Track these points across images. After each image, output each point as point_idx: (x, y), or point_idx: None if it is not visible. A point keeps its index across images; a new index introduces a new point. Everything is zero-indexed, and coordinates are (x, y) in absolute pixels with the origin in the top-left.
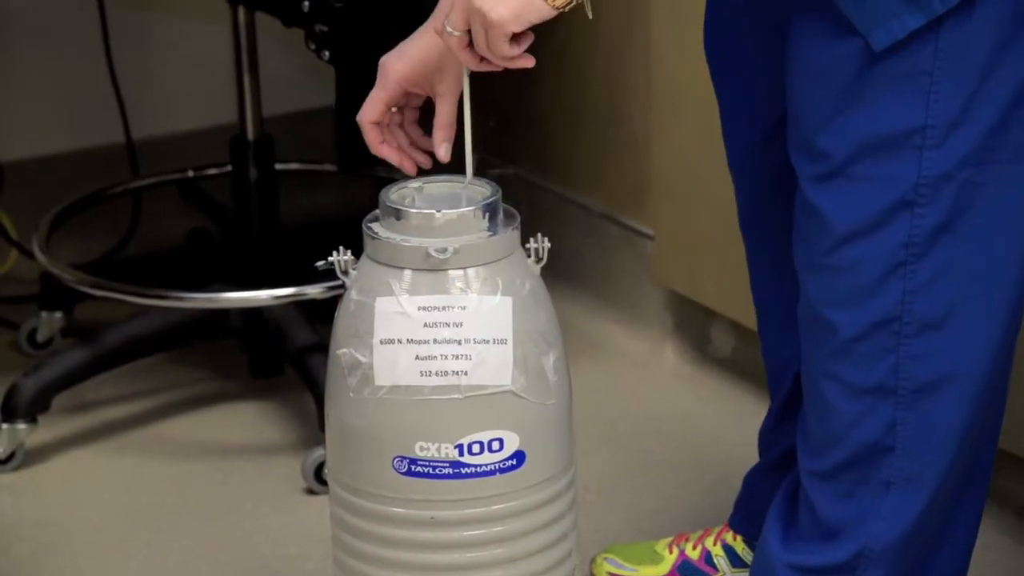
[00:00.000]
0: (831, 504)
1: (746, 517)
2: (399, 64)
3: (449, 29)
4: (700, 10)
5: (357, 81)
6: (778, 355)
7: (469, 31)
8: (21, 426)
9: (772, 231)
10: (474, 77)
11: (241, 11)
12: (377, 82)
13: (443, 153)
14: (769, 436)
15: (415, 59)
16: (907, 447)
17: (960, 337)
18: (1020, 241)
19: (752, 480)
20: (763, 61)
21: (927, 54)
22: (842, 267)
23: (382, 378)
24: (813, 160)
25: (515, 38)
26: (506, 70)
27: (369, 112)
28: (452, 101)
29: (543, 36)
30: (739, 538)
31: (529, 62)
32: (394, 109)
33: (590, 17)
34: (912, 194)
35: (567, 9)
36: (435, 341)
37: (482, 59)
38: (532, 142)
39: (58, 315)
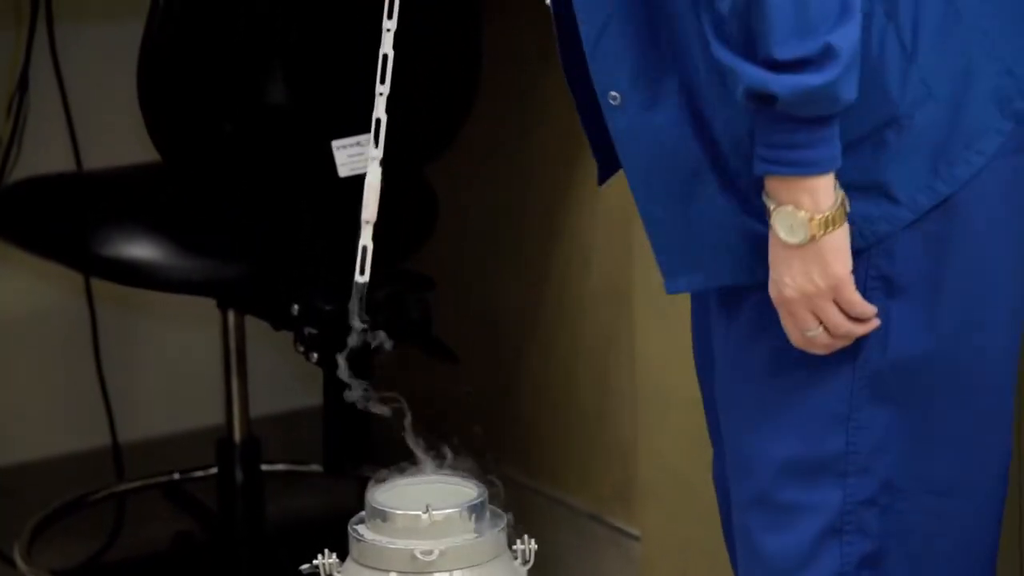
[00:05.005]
0: None
1: None
2: None
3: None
4: (685, 313)
5: (345, 383)
6: None
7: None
8: None
9: None
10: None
11: (231, 314)
12: None
13: None
14: None
15: None
16: None
17: None
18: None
19: None
20: None
21: (844, 388)
22: None
23: None
24: (740, 483)
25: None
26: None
27: None
28: None
29: (528, 341)
30: None
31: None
32: None
33: None
34: (839, 521)
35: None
36: None
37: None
38: (518, 442)
39: None
